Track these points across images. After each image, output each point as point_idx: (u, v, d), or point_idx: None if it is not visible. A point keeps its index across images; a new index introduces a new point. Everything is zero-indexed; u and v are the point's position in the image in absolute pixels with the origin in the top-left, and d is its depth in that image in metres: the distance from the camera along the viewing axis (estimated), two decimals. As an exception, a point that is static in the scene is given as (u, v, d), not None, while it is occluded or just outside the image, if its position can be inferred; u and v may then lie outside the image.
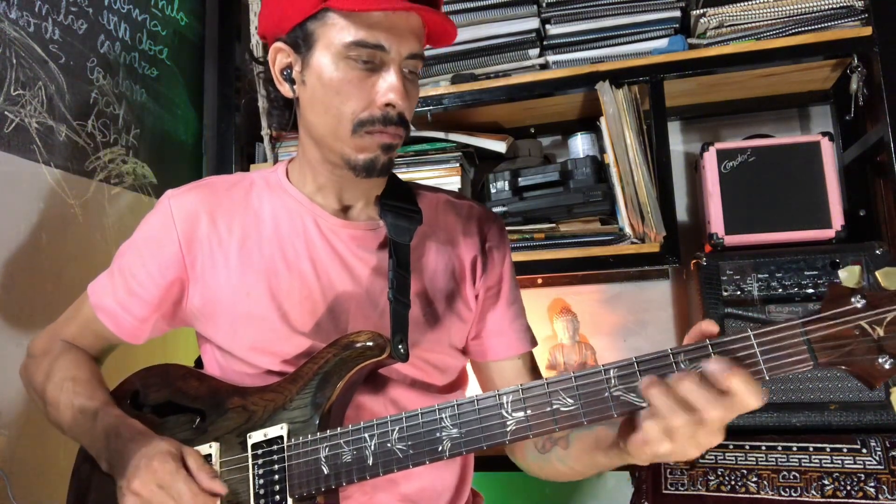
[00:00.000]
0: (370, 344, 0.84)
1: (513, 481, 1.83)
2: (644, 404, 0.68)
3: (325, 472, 0.80)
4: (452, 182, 1.69)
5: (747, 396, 0.64)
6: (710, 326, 0.69)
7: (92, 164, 1.46)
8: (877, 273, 0.64)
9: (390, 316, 0.90)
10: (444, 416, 0.76)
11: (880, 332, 0.63)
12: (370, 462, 0.78)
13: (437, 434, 0.76)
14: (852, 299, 0.65)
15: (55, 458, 1.28)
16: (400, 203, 0.99)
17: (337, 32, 0.85)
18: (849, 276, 0.66)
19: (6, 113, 1.25)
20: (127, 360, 1.09)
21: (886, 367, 0.63)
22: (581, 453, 0.85)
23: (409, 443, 0.77)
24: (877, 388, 0.65)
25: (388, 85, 0.86)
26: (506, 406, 0.74)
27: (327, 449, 0.80)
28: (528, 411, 0.73)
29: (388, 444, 0.78)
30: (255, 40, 1.83)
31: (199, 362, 1.06)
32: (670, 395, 0.65)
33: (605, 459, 0.80)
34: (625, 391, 0.69)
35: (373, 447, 0.78)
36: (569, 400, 0.71)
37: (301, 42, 0.88)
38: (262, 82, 1.77)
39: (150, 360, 1.04)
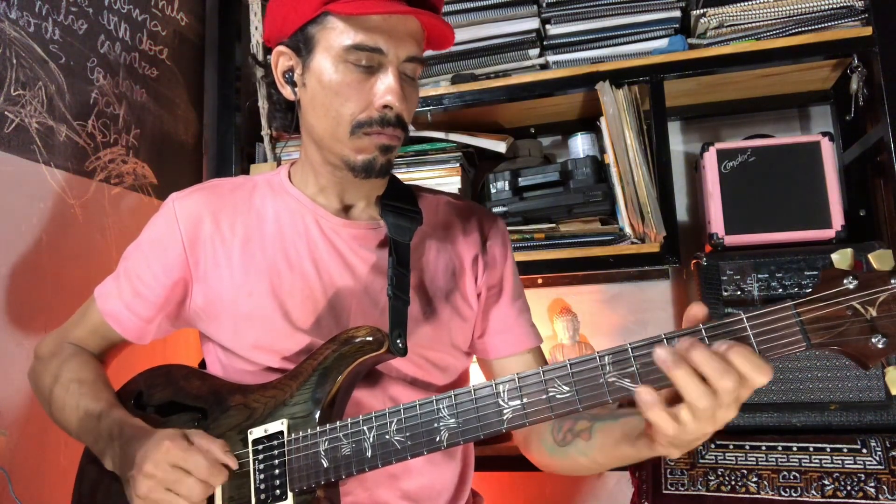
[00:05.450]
0: (369, 339, 0.85)
1: (513, 481, 1.83)
2: (638, 388, 0.67)
3: (325, 466, 0.81)
4: (452, 182, 1.69)
5: (751, 372, 0.63)
6: (699, 310, 0.69)
7: (92, 164, 1.46)
8: (869, 255, 0.65)
9: (389, 312, 0.90)
10: (441, 406, 0.77)
11: (873, 312, 0.63)
12: (369, 454, 0.79)
13: (435, 425, 0.77)
14: (844, 281, 0.65)
15: (55, 457, 1.28)
16: (400, 203, 1.00)
17: (336, 36, 0.86)
18: (841, 258, 0.66)
19: (6, 113, 1.25)
20: (129, 361, 1.09)
21: (880, 346, 0.63)
22: (606, 445, 0.85)
23: (408, 434, 0.78)
24: (871, 368, 0.65)
25: (385, 87, 0.87)
26: (502, 395, 0.74)
27: (327, 442, 0.81)
28: (525, 399, 0.73)
29: (387, 436, 0.79)
30: (255, 41, 1.83)
31: (203, 364, 1.07)
32: (683, 364, 0.64)
33: (632, 451, 0.79)
34: (619, 377, 0.70)
35: (371, 439, 0.79)
36: (564, 387, 0.72)
37: (302, 45, 0.90)
38: (263, 84, 1.78)
39: (152, 361, 1.04)
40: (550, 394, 0.72)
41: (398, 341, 0.87)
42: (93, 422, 0.91)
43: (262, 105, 1.81)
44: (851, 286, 0.64)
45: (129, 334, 1.01)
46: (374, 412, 0.80)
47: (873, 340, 0.63)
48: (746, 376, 0.63)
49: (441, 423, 0.77)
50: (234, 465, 0.83)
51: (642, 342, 0.69)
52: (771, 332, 0.66)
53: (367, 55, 0.86)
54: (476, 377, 1.10)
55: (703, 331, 0.67)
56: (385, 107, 0.88)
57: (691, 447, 0.71)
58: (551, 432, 0.95)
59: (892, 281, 0.63)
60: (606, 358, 0.70)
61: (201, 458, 0.80)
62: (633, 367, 0.69)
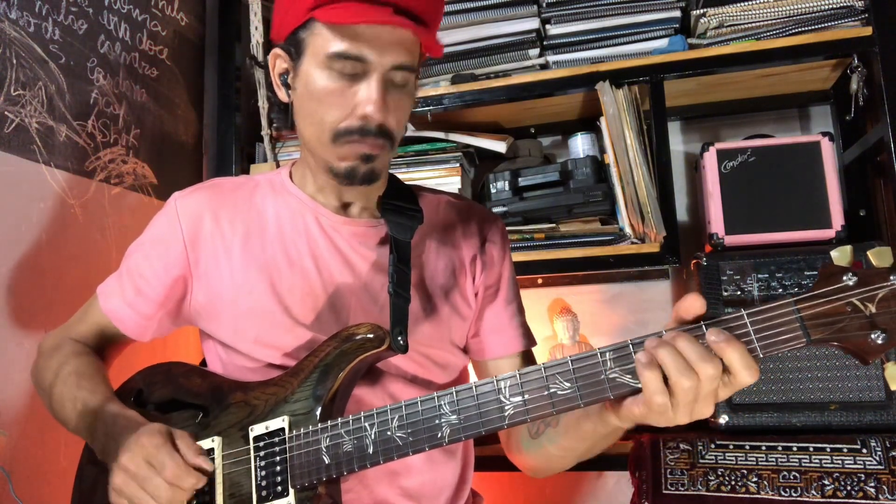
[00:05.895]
0: (370, 336, 0.85)
1: (513, 481, 1.83)
2: (638, 385, 0.69)
3: (327, 462, 0.81)
4: (452, 182, 1.69)
5: (742, 370, 0.65)
6: (694, 301, 0.69)
7: (92, 164, 1.46)
8: (868, 252, 0.66)
9: (390, 309, 0.91)
10: (442, 402, 0.78)
11: (872, 308, 0.64)
12: (371, 450, 0.79)
13: (437, 421, 0.77)
14: (843, 277, 0.66)
15: (55, 457, 1.28)
16: (401, 202, 1.00)
17: (322, 43, 0.86)
18: (840, 255, 0.67)
19: (6, 113, 1.25)
20: (130, 359, 1.10)
21: (879, 342, 0.64)
22: (570, 426, 0.86)
23: (409, 430, 0.78)
24: (870, 363, 0.66)
25: (366, 96, 0.86)
26: (504, 391, 0.75)
27: (328, 439, 0.81)
28: (526, 396, 0.74)
29: (388, 433, 0.79)
30: (255, 41, 1.83)
31: (204, 363, 1.07)
32: (670, 349, 0.66)
33: (590, 425, 0.80)
34: (621, 373, 0.71)
35: (373, 436, 0.80)
36: (565, 383, 0.73)
37: (293, 49, 0.90)
38: (263, 84, 1.78)
39: (152, 359, 1.05)
40: (552, 390, 0.73)
41: (399, 339, 0.88)
42: (89, 416, 0.92)
43: (262, 105, 1.81)
44: (851, 283, 0.65)
45: (130, 331, 1.02)
46: (375, 409, 0.81)
47: (872, 336, 0.64)
48: (735, 371, 0.65)
49: (443, 419, 0.77)
50: (208, 468, 0.82)
51: (643, 338, 0.70)
52: (771, 328, 0.67)
53: (351, 63, 0.85)
54: (476, 375, 1.10)
55: (704, 327, 0.68)
56: (365, 116, 0.87)
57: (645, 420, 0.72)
58: (527, 426, 0.95)
59: (891, 278, 0.64)
60: (608, 354, 0.71)
61: (169, 459, 0.79)
62: (634, 363, 0.69)
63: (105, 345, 1.05)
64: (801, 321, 0.66)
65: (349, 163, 0.90)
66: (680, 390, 0.65)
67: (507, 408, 0.74)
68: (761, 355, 0.67)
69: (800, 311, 0.66)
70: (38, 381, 1.04)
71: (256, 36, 1.82)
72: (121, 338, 1.04)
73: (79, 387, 0.95)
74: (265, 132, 1.80)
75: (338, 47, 0.84)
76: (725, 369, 0.66)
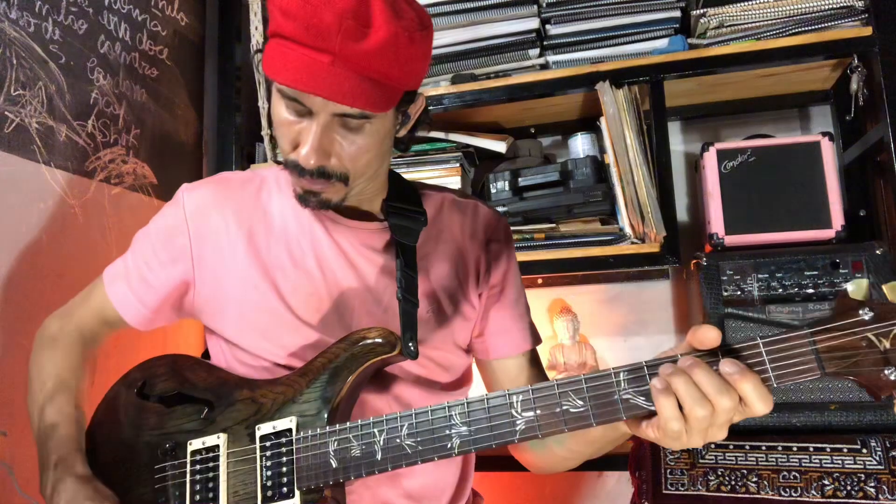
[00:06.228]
0: (380, 341, 0.85)
1: (513, 481, 1.83)
2: (651, 408, 0.69)
3: (334, 466, 0.81)
4: (452, 182, 1.69)
5: (756, 401, 0.65)
6: (708, 332, 0.69)
7: (92, 164, 1.46)
8: (884, 287, 0.66)
9: (400, 314, 0.90)
10: (453, 413, 0.77)
11: (887, 344, 0.65)
12: (379, 457, 0.79)
13: (447, 431, 0.77)
14: (860, 311, 0.66)
15: (55, 458, 1.28)
16: (405, 205, 1.00)
17: None
18: (856, 289, 0.68)
19: (6, 113, 1.25)
20: (132, 350, 1.09)
21: (892, 378, 0.64)
22: (577, 430, 0.85)
23: (419, 439, 0.78)
24: (882, 400, 0.66)
25: (303, 139, 0.83)
26: (515, 406, 0.75)
27: (336, 443, 0.81)
28: (538, 411, 0.74)
29: (398, 440, 0.79)
30: (254, 41, 1.83)
31: (206, 355, 1.07)
32: (685, 379, 0.66)
33: (599, 431, 0.80)
34: (634, 394, 0.71)
35: (382, 442, 0.79)
36: (578, 401, 0.73)
37: None
38: (263, 84, 1.78)
39: (153, 350, 1.04)
40: (564, 407, 0.73)
41: (410, 344, 0.88)
42: (41, 436, 0.93)
43: (262, 105, 1.81)
44: (867, 317, 0.66)
45: (131, 319, 1.01)
46: (385, 415, 0.80)
47: (886, 372, 0.65)
48: (749, 402, 0.66)
49: (453, 430, 0.77)
50: None
51: (657, 360, 0.71)
52: (787, 358, 0.67)
53: (293, 103, 0.82)
54: (478, 375, 1.10)
55: (721, 355, 0.68)
56: (301, 157, 0.84)
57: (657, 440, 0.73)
58: None
59: None
60: (622, 375, 0.71)
61: None
62: (648, 386, 0.70)
63: (105, 329, 1.05)
64: (817, 353, 0.66)
65: (298, 191, 0.89)
66: (694, 419, 0.66)
67: (518, 422, 0.74)
68: (775, 385, 0.67)
69: (815, 342, 0.66)
70: (31, 385, 1.03)
71: (256, 36, 1.82)
72: (121, 323, 1.03)
73: (42, 410, 0.96)
74: (265, 132, 1.80)
75: (279, 85, 0.81)
76: (740, 399, 0.66)
